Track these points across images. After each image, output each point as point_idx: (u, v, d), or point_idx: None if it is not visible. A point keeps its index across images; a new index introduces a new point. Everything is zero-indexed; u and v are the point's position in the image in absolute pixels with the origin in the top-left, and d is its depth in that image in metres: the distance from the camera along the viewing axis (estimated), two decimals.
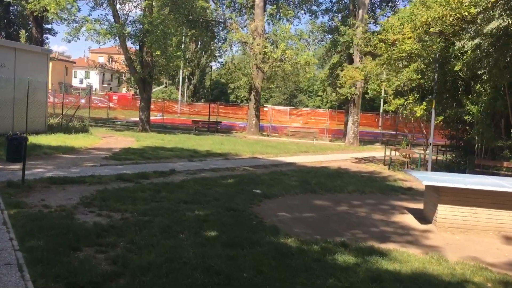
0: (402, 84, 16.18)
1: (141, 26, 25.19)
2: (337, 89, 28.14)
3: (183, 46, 29.83)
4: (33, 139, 16.34)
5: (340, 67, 33.77)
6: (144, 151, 16.88)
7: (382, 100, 33.01)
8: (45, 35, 38.34)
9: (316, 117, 35.88)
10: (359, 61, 26.45)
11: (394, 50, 16.09)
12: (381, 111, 41.63)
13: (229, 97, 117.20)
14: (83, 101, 24.88)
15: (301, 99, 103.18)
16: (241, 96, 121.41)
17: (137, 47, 27.55)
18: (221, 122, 34.71)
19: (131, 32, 25.16)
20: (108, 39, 23.85)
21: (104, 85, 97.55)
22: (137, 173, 11.84)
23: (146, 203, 8.52)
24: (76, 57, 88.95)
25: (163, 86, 62.08)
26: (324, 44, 33.83)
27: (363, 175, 15.27)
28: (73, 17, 23.55)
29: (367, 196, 11.26)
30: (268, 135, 33.07)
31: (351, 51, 27.59)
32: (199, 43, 37.19)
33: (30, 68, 17.93)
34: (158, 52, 25.42)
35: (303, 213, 8.89)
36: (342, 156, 21.18)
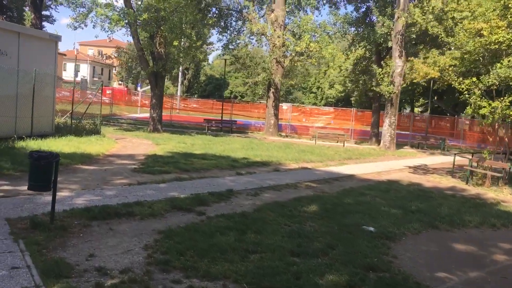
0: (496, 83, 13.46)
1: (155, 13, 22.13)
2: (373, 87, 25.40)
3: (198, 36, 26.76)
4: (41, 144, 13.45)
5: (370, 62, 31.20)
6: (175, 160, 14.03)
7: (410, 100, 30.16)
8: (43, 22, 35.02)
9: (338, 116, 33.11)
10: (398, 55, 23.75)
11: (480, 41, 13.39)
12: (413, 110, 39.04)
13: (223, 92, 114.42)
14: (91, 96, 21.77)
15: (297, 95, 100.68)
16: (235, 92, 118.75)
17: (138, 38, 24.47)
18: (236, 121, 31.82)
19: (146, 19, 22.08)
20: (121, 27, 20.80)
21: (94, 79, 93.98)
22: (190, 196, 9.02)
23: (242, 257, 5.74)
24: (63, 49, 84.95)
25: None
26: (347, 37, 30.98)
27: (449, 193, 12.61)
28: (81, 1, 20.47)
29: (503, 232, 8.58)
30: (287, 136, 30.32)
31: (389, 44, 24.84)
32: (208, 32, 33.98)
33: (37, 58, 14.91)
34: (175, 43, 22.46)
35: (466, 271, 6.16)
36: (392, 165, 18.54)
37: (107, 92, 62.34)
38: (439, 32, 19.20)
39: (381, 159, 20.36)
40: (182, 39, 23.89)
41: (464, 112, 58.06)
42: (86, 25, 21.43)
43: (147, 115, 44.41)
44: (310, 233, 7.21)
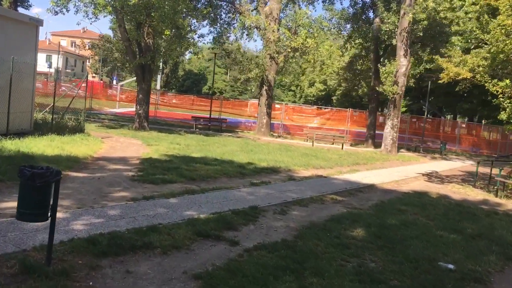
0: None
1: None
2: (377, 87, 24.06)
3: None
4: (20, 145, 11.53)
5: (366, 61, 29.94)
6: (175, 165, 12.32)
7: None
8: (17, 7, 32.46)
9: (333, 117, 31.69)
10: (403, 54, 22.47)
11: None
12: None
13: (201, 88, 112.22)
14: (65, 89, 19.62)
15: (276, 93, 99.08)
16: (214, 88, 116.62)
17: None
18: (226, 119, 30.06)
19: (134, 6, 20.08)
20: (107, 13, 18.77)
21: (67, 70, 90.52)
22: (211, 217, 7.37)
23: None
24: None
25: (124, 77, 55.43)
26: (343, 34, 29.61)
27: (487, 209, 11.31)
28: None
29: None
30: (279, 136, 28.78)
31: (393, 42, 23.53)
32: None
33: (14, 44, 12.92)
34: (167, 32, 20.58)
35: None
36: (403, 171, 17.25)
37: (83, 85, 59.41)
38: (466, 27, 17.96)
39: (388, 164, 19.04)
40: (173, 30, 21.97)
41: (448, 114, 57.76)
42: (68, 10, 19.30)
43: (127, 110, 42.35)
44: (379, 272, 5.68)
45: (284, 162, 15.43)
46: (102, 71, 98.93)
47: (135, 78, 57.01)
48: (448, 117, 50.85)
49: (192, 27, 24.20)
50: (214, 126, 28.93)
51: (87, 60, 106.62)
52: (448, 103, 43.92)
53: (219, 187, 9.99)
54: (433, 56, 20.97)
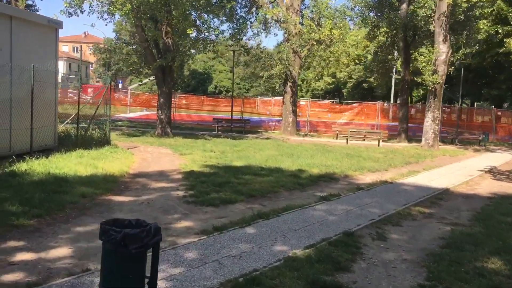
0: None
1: None
2: (415, 77, 22.44)
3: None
4: (48, 165, 10.05)
5: (391, 50, 28.33)
6: (223, 178, 10.85)
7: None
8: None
9: (362, 111, 30.00)
10: (442, 40, 20.81)
11: None
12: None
13: (207, 88, 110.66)
14: (78, 96, 18.06)
15: (278, 88, 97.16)
16: (220, 87, 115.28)
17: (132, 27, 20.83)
18: (249, 120, 28.50)
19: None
20: (127, 11, 17.18)
21: (71, 76, 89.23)
22: (310, 253, 5.88)
23: None
24: None
25: (146, 80, 53.49)
26: (368, 22, 27.84)
27: None
28: None
29: None
30: (306, 135, 27.20)
31: (431, 28, 21.84)
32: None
33: (33, 50, 11.42)
34: (190, 31, 19.03)
35: None
36: (460, 168, 15.67)
37: (89, 90, 58.09)
38: None
39: (439, 161, 17.44)
40: (194, 28, 20.42)
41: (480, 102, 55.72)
42: (82, 11, 17.77)
43: (138, 114, 40.94)
44: None
45: (334, 166, 13.90)
46: (106, 75, 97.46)
47: (144, 81, 55.34)
48: (476, 104, 48.96)
49: (211, 24, 22.57)
50: (237, 128, 27.39)
51: (90, 65, 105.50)
52: (471, 90, 42.19)
53: (290, 206, 8.44)
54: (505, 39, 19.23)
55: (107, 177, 10.10)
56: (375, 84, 63.19)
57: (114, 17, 18.07)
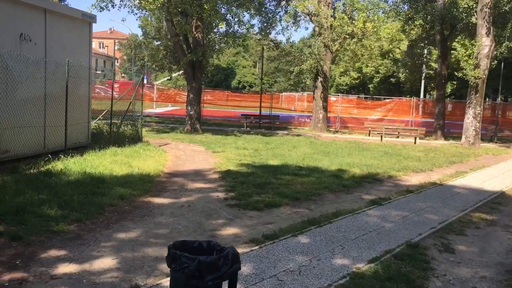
0: None
1: None
2: (456, 72, 21.49)
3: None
4: (83, 164, 9.72)
5: (427, 44, 27.31)
6: (262, 179, 10.36)
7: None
8: None
9: (396, 107, 29.00)
10: (485, 33, 19.79)
11: None
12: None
13: (230, 83, 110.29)
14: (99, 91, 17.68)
15: (309, 83, 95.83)
16: (243, 82, 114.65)
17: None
18: (278, 116, 27.91)
19: None
20: (160, 4, 16.74)
21: (97, 72, 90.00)
22: (375, 269, 5.30)
23: None
24: None
25: (170, 75, 52.93)
26: (402, 15, 26.82)
27: None
28: None
29: None
30: (336, 132, 26.47)
31: (472, 19, 20.82)
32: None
33: (68, 45, 11.08)
34: (222, 25, 18.56)
35: None
36: (509, 169, 14.77)
37: (115, 86, 58.19)
38: None
39: (484, 161, 16.56)
40: (225, 22, 19.91)
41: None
42: (113, 5, 17.47)
43: (164, 110, 40.77)
44: None
45: (375, 166, 13.24)
46: (131, 71, 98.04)
47: (174, 75, 55.26)
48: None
49: (241, 17, 22.02)
50: (265, 124, 26.83)
51: (116, 61, 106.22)
52: (506, 85, 40.65)
53: (340, 212, 7.86)
54: None
55: (143, 177, 9.68)
56: (403, 79, 61.90)
57: (145, 11, 17.60)
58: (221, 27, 19.26)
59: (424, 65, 36.93)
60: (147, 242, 5.84)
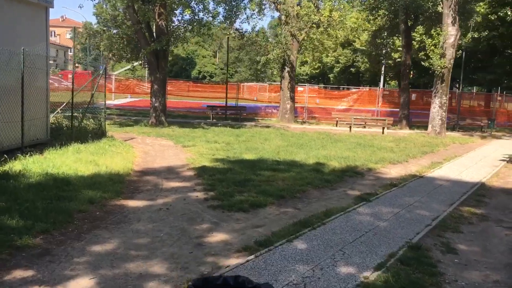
0: None
1: None
2: (409, 61, 21.51)
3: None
4: (44, 163, 8.87)
5: (391, 33, 27.35)
6: (240, 175, 9.82)
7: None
8: None
9: (362, 97, 28.94)
10: (451, 22, 19.85)
11: None
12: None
13: (190, 73, 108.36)
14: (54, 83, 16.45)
15: (268, 74, 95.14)
16: (204, 72, 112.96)
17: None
18: (245, 107, 27.31)
19: None
20: None
21: (50, 62, 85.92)
22: (384, 277, 4.87)
23: None
24: None
25: (132, 65, 50.99)
26: (367, 3, 26.67)
27: None
28: None
29: None
30: (304, 122, 26.16)
31: (439, 8, 20.81)
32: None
33: (22, 32, 10.05)
34: (188, 11, 17.72)
35: None
36: (479, 158, 14.89)
37: (69, 76, 55.83)
38: None
39: (453, 150, 16.61)
40: (190, 9, 19.04)
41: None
42: None
43: (124, 101, 39.37)
44: None
45: (352, 158, 12.93)
46: (86, 60, 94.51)
47: (130, 67, 53.37)
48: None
49: (206, 4, 21.17)
50: (232, 115, 26.19)
51: (69, 50, 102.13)
52: (464, 74, 41.55)
53: (330, 211, 7.39)
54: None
55: (112, 177, 8.90)
56: (363, 69, 62.52)
57: None
58: (187, 14, 18.43)
59: (384, 55, 37.23)
60: (127, 256, 5.16)
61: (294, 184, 9.24)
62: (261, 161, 11.82)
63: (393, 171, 11.61)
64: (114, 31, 26.73)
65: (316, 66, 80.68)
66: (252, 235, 6.06)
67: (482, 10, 29.30)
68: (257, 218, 6.96)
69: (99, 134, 13.22)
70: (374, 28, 27.44)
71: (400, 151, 15.17)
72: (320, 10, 24.30)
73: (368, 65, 56.89)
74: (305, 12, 23.94)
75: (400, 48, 36.77)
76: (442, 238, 6.40)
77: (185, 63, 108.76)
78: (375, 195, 8.65)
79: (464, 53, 28.38)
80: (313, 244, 5.75)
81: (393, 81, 66.94)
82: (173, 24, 20.61)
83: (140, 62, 27.61)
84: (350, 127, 21.83)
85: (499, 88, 36.86)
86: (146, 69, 67.75)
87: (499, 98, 30.14)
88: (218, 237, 6.00)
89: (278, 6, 24.86)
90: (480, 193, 9.60)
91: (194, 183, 9.10)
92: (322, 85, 73.03)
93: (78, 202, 6.97)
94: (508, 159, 14.83)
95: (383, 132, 21.43)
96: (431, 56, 20.16)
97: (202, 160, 11.61)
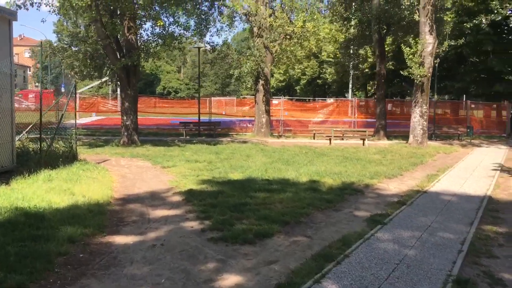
0: None
1: None
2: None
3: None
4: (11, 195, 7.78)
5: (362, 43, 27.13)
6: (233, 198, 8.93)
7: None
8: None
9: (337, 108, 28.48)
10: (429, 31, 19.65)
11: None
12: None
13: (155, 89, 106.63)
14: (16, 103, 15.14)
15: (234, 88, 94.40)
16: (168, 88, 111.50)
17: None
18: (219, 122, 26.38)
19: None
20: (86, 3, 14.64)
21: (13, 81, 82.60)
22: None
23: None
24: None
25: (99, 82, 48.93)
26: (337, 14, 26.38)
27: None
28: None
29: None
30: (280, 136, 25.45)
31: (415, 17, 20.60)
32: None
33: None
34: (161, 23, 16.81)
35: None
36: (469, 169, 14.47)
37: (30, 96, 53.54)
38: None
39: (440, 161, 16.21)
40: (161, 21, 18.08)
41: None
42: (33, 4, 15.00)
43: (89, 120, 37.69)
44: None
45: (345, 174, 12.24)
46: (46, 79, 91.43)
47: (93, 84, 51.46)
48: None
49: (177, 17, 20.25)
50: (205, 131, 25.21)
51: (28, 69, 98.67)
52: (433, 83, 42.05)
53: (347, 239, 6.57)
54: None
55: (91, 207, 7.83)
56: (330, 80, 62.67)
57: (73, 9, 15.29)
58: (158, 27, 17.48)
59: (354, 66, 37.18)
60: None
61: (294, 207, 8.41)
62: (250, 180, 10.95)
63: (392, 187, 10.95)
64: (75, 48, 25.41)
65: (282, 79, 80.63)
66: (268, 275, 5.17)
67: (449, 19, 29.57)
68: (267, 251, 6.07)
69: (70, 157, 12.03)
70: (345, 38, 27.16)
71: (389, 163, 14.60)
72: (293, 22, 23.79)
73: (335, 76, 57.15)
74: (278, 24, 23.38)
75: (370, 59, 37.01)
76: (481, 267, 5.68)
77: (149, 79, 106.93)
78: (387, 216, 7.90)
79: (437, 62, 28.42)
80: (345, 285, 4.90)
81: (359, 92, 67.57)
82: (144, 38, 19.57)
83: (107, 79, 26.31)
84: (330, 140, 21.23)
85: (465, 96, 37.35)
86: (110, 86, 65.84)
87: (472, 106, 30.35)
88: (230, 279, 5.08)
89: (250, 18, 24.21)
90: (491, 207, 9.02)
91: (185, 210, 8.12)
92: (287, 97, 72.66)
93: (57, 243, 5.89)
94: (499, 168, 14.49)
95: (363, 144, 20.93)
96: (410, 65, 19.86)
97: (187, 182, 10.63)
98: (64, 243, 5.94)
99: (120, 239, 6.43)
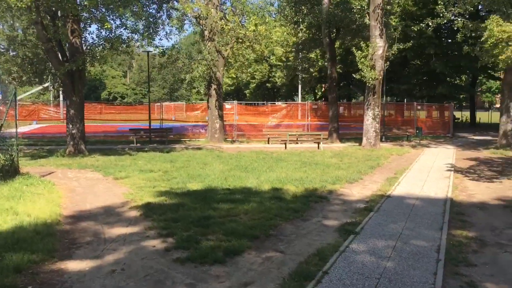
0: None
1: None
2: (334, 74, 21.33)
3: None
4: None
5: (313, 46, 27.24)
6: (195, 212, 8.42)
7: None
8: None
9: (290, 112, 28.38)
10: (379, 34, 19.88)
11: None
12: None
13: (99, 94, 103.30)
14: None
15: (182, 93, 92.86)
16: (114, 93, 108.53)
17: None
18: (171, 129, 25.55)
19: None
20: (26, 4, 13.58)
21: None
22: None
23: None
24: None
25: (40, 88, 46.35)
26: (288, 17, 26.29)
27: None
28: None
29: None
30: (234, 141, 25.01)
31: (366, 21, 20.77)
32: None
33: None
34: (108, 25, 15.93)
35: None
36: (424, 170, 14.61)
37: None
38: None
39: (395, 163, 16.30)
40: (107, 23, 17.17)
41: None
42: None
43: (28, 128, 35.65)
44: None
45: (306, 180, 11.96)
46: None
47: (35, 89, 48.90)
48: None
49: (125, 20, 19.38)
50: (157, 138, 24.36)
51: None
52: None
53: (322, 253, 6.23)
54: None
55: (38, 228, 7.08)
56: (279, 84, 62.92)
57: (6, 15, 14.18)
58: (104, 30, 16.62)
59: (304, 70, 37.42)
60: None
61: (261, 218, 8.00)
62: (211, 190, 10.44)
63: (355, 192, 10.78)
64: (13, 53, 23.91)
65: (231, 83, 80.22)
66: None
67: (393, 23, 30.30)
68: (240, 271, 5.61)
69: (11, 171, 11.03)
70: (295, 42, 27.15)
71: (347, 167, 14.50)
72: (245, 25, 23.47)
73: (285, 80, 57.43)
74: (230, 27, 22.97)
75: (320, 62, 37.34)
76: (463, 277, 5.50)
77: (94, 84, 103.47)
78: (357, 225, 7.64)
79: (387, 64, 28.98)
80: None
81: (307, 95, 68.37)
82: (89, 42, 18.59)
83: (49, 84, 24.87)
84: (286, 144, 21.02)
85: (409, 98, 38.46)
86: (52, 92, 62.90)
87: (418, 107, 31.22)
88: None
89: (201, 21, 23.66)
90: (456, 210, 8.98)
91: (144, 227, 7.51)
92: (236, 101, 72.42)
93: (1, 274, 5.16)
94: (452, 168, 14.75)
95: (318, 147, 20.88)
96: (361, 69, 20.02)
97: (143, 195, 9.98)
98: (9, 274, 5.23)
99: (73, 265, 5.76)
